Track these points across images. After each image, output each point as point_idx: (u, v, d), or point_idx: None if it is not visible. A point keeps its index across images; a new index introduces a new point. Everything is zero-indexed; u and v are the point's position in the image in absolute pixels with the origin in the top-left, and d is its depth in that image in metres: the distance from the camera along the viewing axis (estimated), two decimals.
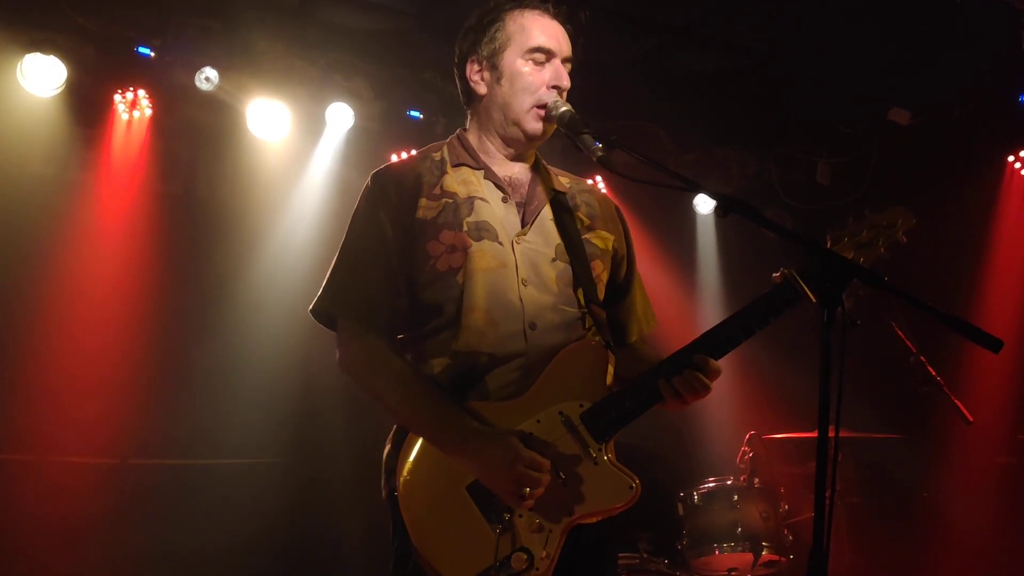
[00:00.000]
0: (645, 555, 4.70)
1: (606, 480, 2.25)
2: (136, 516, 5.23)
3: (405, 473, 2.29)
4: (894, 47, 5.58)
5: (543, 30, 2.49)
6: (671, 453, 5.55)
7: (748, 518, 4.74)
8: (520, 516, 2.22)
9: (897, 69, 5.77)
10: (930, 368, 4.47)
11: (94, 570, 5.13)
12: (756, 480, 4.88)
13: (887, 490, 5.43)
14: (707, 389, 2.24)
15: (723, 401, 6.00)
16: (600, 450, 2.27)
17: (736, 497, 4.80)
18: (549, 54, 2.47)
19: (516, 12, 2.51)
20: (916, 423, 5.35)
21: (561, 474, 2.22)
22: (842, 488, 4.91)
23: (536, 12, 2.51)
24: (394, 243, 2.39)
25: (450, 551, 2.22)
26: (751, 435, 5.03)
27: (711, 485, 4.94)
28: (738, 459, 5.03)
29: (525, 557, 2.18)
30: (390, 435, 2.43)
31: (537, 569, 2.19)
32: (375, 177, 2.49)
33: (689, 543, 4.84)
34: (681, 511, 4.94)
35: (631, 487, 2.25)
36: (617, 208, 2.67)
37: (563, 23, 2.54)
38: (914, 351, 4.51)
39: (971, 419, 4.36)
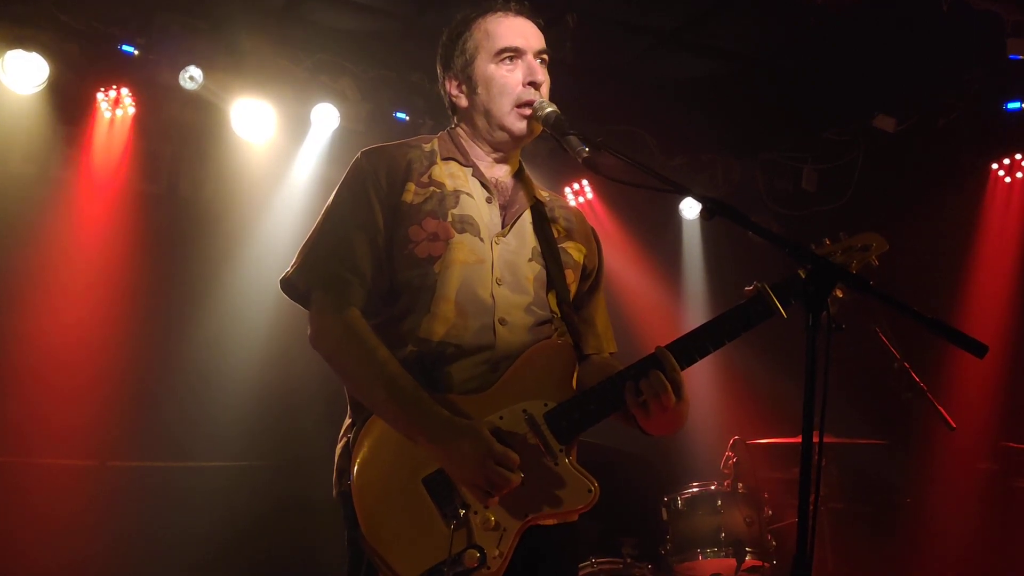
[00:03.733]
0: (628, 560, 4.70)
1: (565, 482, 2.22)
2: (114, 518, 5.18)
3: (359, 464, 2.24)
4: (880, 54, 5.60)
5: (508, 30, 2.48)
6: (655, 457, 5.53)
7: (732, 523, 4.75)
8: (475, 513, 2.19)
9: (883, 76, 5.79)
10: (914, 374, 4.48)
11: (71, 572, 5.08)
12: (740, 485, 4.89)
13: (870, 496, 5.44)
14: (666, 391, 2.19)
15: (707, 406, 6.00)
16: (562, 451, 2.24)
17: (720, 502, 4.81)
18: (518, 52, 2.46)
19: (480, 20, 2.51)
20: (899, 429, 5.36)
21: (521, 473, 2.19)
22: (825, 494, 4.92)
23: (498, 14, 2.51)
24: (381, 222, 2.38)
25: (401, 544, 2.18)
26: (735, 440, 5.03)
27: (695, 490, 4.94)
28: (722, 464, 5.02)
29: (477, 555, 2.15)
30: (343, 432, 2.39)
31: (489, 568, 2.16)
32: (366, 154, 2.47)
33: (672, 548, 4.84)
34: (665, 516, 4.94)
35: (590, 490, 2.22)
36: (594, 231, 2.69)
37: (530, 17, 2.53)
38: (898, 357, 4.51)
39: (954, 425, 4.37)
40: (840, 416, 5.04)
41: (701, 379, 5.82)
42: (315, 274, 2.38)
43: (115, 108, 5.48)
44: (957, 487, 5.61)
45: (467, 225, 2.39)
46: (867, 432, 5.14)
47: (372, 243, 2.37)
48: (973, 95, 5.82)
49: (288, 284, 2.42)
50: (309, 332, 2.39)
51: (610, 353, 2.60)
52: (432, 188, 2.42)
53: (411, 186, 2.41)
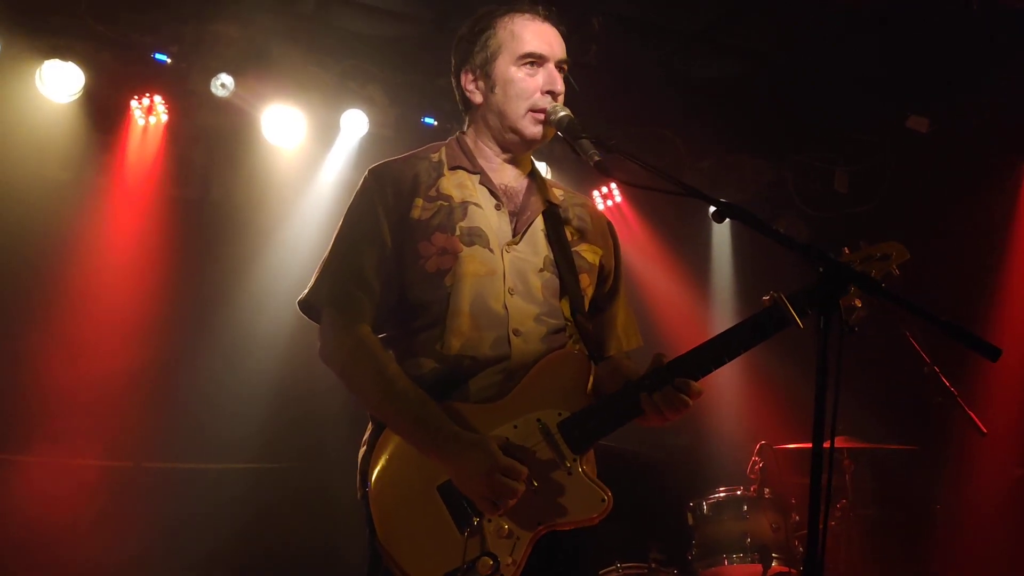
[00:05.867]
0: (654, 565, 4.68)
1: (578, 491, 2.23)
2: (148, 519, 5.26)
3: (377, 470, 2.27)
4: (910, 55, 5.54)
5: (534, 35, 2.47)
6: (681, 462, 5.51)
7: (758, 529, 4.71)
8: (489, 521, 2.21)
9: (913, 77, 5.72)
10: (944, 379, 4.41)
11: (106, 571, 5.16)
12: (766, 491, 4.85)
13: (901, 501, 5.37)
14: (687, 407, 2.22)
15: (734, 411, 5.95)
16: (575, 460, 2.24)
17: (746, 507, 4.78)
18: (541, 59, 2.45)
19: (506, 18, 2.49)
20: (930, 434, 5.28)
21: (534, 482, 2.20)
22: (856, 499, 4.87)
23: (526, 17, 2.49)
24: (389, 239, 2.39)
25: (416, 550, 2.20)
26: (762, 445, 4.99)
27: (721, 495, 4.91)
28: (748, 469, 4.98)
29: (491, 562, 2.17)
30: (365, 436, 2.42)
31: (502, 575, 2.18)
32: (373, 172, 2.48)
33: (698, 553, 4.82)
34: (691, 521, 4.92)
35: (603, 500, 2.23)
36: (609, 224, 2.67)
37: (555, 25, 2.51)
38: (928, 362, 4.45)
39: (985, 431, 4.30)
40: (870, 421, 5.02)
41: (728, 383, 5.78)
42: (325, 291, 2.41)
43: (148, 115, 5.58)
44: (988, 493, 5.52)
45: (476, 237, 2.39)
46: (897, 438, 5.07)
47: (381, 259, 2.38)
48: (1005, 95, 5.73)
49: (305, 304, 2.46)
50: (319, 346, 2.42)
51: (634, 348, 2.59)
52: (440, 202, 2.42)
53: (419, 201, 2.41)
